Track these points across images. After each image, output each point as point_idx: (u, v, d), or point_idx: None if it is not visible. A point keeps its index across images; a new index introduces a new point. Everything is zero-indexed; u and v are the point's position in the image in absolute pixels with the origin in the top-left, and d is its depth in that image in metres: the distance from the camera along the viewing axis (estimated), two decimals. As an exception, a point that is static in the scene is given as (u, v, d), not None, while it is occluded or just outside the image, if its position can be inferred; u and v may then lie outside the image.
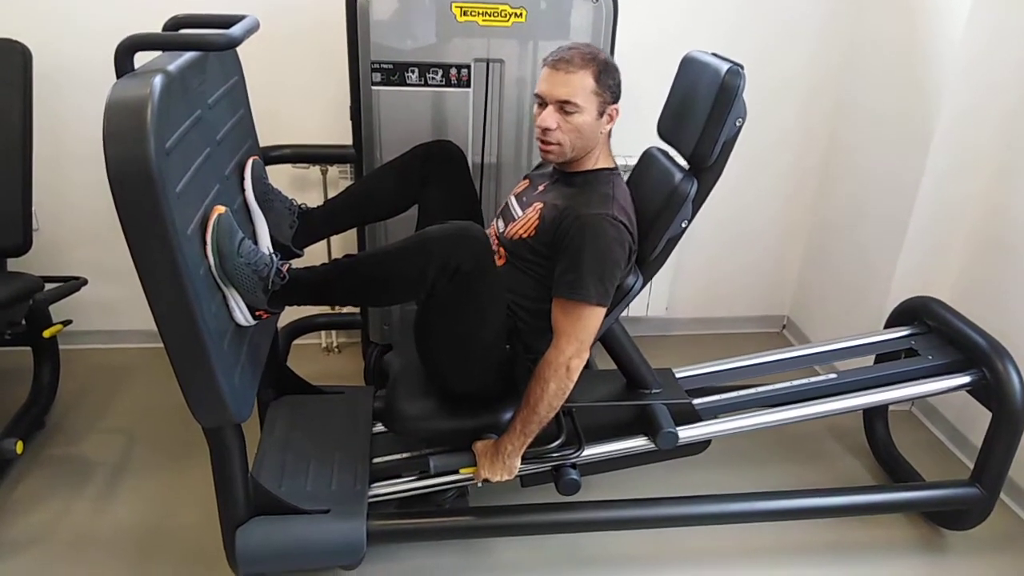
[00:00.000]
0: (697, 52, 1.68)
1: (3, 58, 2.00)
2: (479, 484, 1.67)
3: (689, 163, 1.62)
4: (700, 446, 1.83)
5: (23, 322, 2.05)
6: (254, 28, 1.37)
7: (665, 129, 1.74)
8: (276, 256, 1.47)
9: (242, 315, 1.41)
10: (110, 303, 2.47)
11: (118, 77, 1.17)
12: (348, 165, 2.36)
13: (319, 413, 1.90)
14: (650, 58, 2.39)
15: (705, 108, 1.54)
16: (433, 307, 1.52)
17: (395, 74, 1.88)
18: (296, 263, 1.58)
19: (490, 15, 1.84)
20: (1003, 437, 1.79)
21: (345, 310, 2.49)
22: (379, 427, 1.88)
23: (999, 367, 1.77)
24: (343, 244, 2.44)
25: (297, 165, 2.36)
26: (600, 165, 1.64)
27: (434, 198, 1.74)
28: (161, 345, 1.25)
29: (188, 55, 1.32)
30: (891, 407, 2.20)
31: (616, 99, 1.58)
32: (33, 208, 2.07)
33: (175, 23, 1.50)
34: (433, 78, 1.90)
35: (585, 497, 1.73)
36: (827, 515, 1.92)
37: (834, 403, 1.83)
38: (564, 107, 1.53)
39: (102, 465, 2.07)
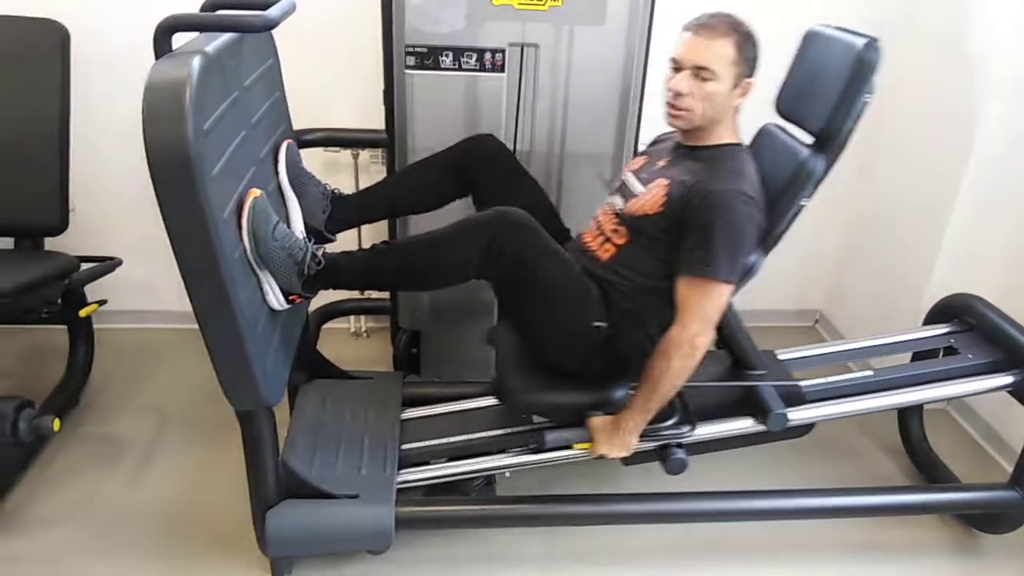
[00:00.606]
0: (822, 27, 1.65)
1: (41, 38, 2.02)
2: (592, 458, 1.65)
3: (817, 139, 1.58)
4: (804, 429, 1.81)
5: (59, 301, 2.08)
6: (291, 10, 1.37)
7: (786, 106, 1.70)
8: (311, 241, 1.46)
9: (276, 299, 1.42)
10: (145, 283, 2.50)
11: (156, 58, 1.17)
12: (380, 150, 2.35)
13: (349, 398, 1.91)
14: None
15: (837, 83, 1.51)
16: (496, 290, 1.56)
17: (429, 58, 1.86)
18: (329, 248, 1.58)
19: (526, -1, 1.81)
20: (1046, 440, 1.74)
21: (374, 295, 2.50)
22: (408, 413, 1.88)
23: (1043, 368, 1.72)
24: (374, 233, 2.44)
25: (328, 149, 2.36)
26: (727, 140, 1.60)
27: (489, 196, 1.70)
28: (194, 326, 1.26)
29: (225, 37, 1.32)
30: (926, 406, 2.15)
31: (752, 73, 1.54)
32: (70, 188, 2.09)
33: (212, 3, 1.50)
34: (467, 62, 1.88)
35: (612, 489, 1.72)
36: (859, 515, 1.89)
37: (870, 401, 1.79)
38: (700, 73, 1.50)
39: (135, 443, 2.10)
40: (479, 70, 1.89)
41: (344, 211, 1.73)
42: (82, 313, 2.13)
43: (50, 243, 2.13)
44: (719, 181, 1.50)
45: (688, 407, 1.72)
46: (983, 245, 2.19)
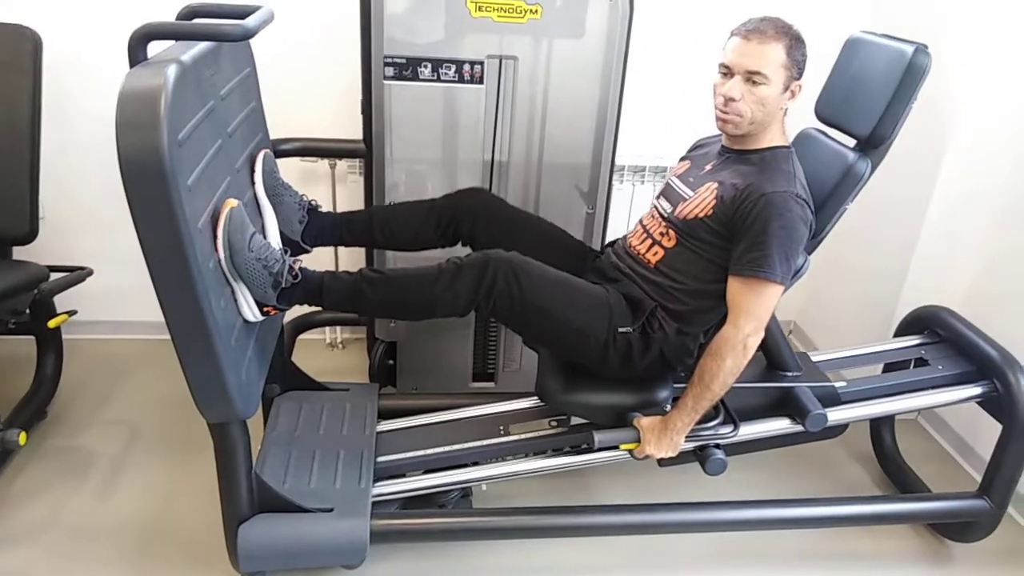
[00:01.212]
0: (864, 33, 1.68)
1: (13, 44, 1.98)
2: (640, 459, 1.65)
3: (864, 143, 1.62)
4: (839, 429, 1.83)
5: (27, 312, 2.04)
6: (269, 20, 1.36)
7: (829, 111, 1.73)
8: (286, 253, 1.45)
9: (250, 310, 1.40)
10: (115, 293, 2.45)
11: (131, 66, 1.15)
12: (357, 160, 2.34)
13: (324, 410, 1.89)
14: (665, 59, 2.38)
15: (886, 88, 1.54)
16: (504, 321, 1.59)
17: (408, 69, 1.86)
18: (305, 261, 1.56)
19: (505, 11, 1.82)
20: (1013, 450, 1.77)
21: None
22: (384, 425, 1.87)
23: (1011, 379, 1.76)
24: (351, 252, 2.43)
25: (306, 159, 2.35)
26: (776, 143, 1.62)
27: (485, 244, 1.69)
28: (165, 337, 1.24)
29: (202, 45, 1.30)
30: (897, 416, 2.18)
31: (800, 75, 1.56)
32: (40, 196, 2.05)
33: (189, 12, 1.48)
34: (446, 74, 1.88)
35: (587, 501, 1.72)
36: (831, 524, 1.90)
37: (843, 411, 1.81)
38: (753, 77, 1.52)
39: (104, 457, 2.06)
40: (458, 81, 1.89)
41: (321, 224, 1.72)
42: (51, 324, 2.09)
43: (19, 252, 2.08)
44: (772, 183, 1.52)
45: (728, 407, 1.73)
46: (953, 257, 2.23)
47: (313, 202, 1.73)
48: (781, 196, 1.50)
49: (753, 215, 1.50)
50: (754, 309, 1.50)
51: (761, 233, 1.48)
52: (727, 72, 1.56)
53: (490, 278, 1.48)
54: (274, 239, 1.58)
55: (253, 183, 1.58)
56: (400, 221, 1.75)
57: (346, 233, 1.76)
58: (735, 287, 1.52)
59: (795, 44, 1.54)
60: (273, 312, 1.45)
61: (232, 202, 1.32)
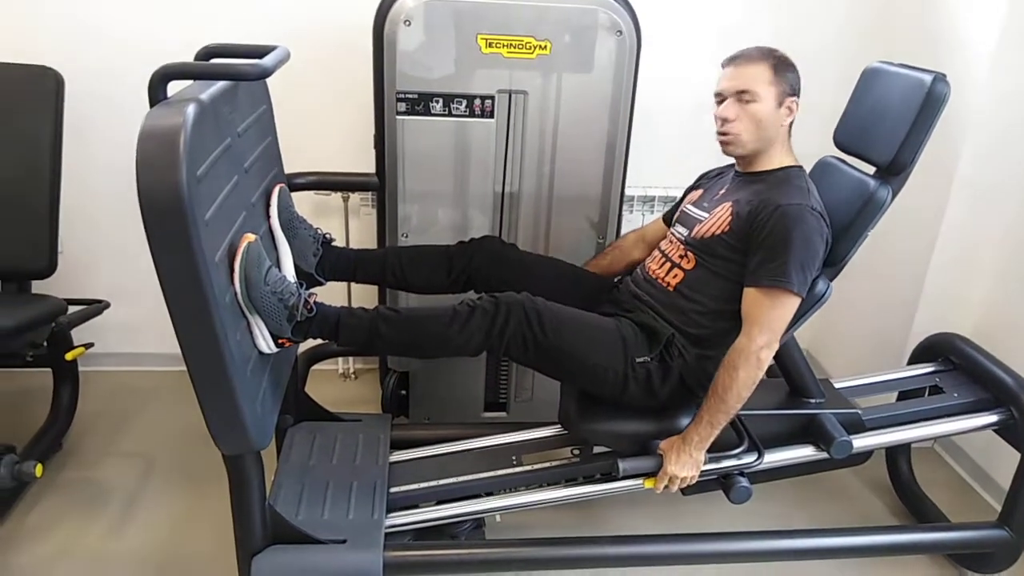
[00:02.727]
0: (882, 64, 1.72)
1: (36, 84, 2.04)
2: (659, 488, 1.63)
3: (885, 171, 1.64)
4: (864, 456, 1.82)
5: (45, 344, 2.06)
6: (285, 59, 1.39)
7: (847, 139, 1.75)
8: (301, 286, 1.47)
9: (265, 343, 1.42)
10: (132, 326, 2.48)
11: (152, 105, 1.18)
12: (370, 193, 2.38)
13: (337, 440, 1.89)
14: (671, 92, 2.41)
15: (906, 117, 1.57)
16: (518, 361, 1.60)
17: (420, 104, 1.90)
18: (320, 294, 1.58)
19: (515, 47, 1.85)
20: (1032, 478, 1.75)
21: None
22: (397, 455, 1.87)
23: (1028, 407, 1.74)
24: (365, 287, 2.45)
25: (319, 192, 2.38)
26: (786, 163, 1.66)
27: (499, 290, 1.69)
28: (180, 369, 1.25)
29: (220, 84, 1.34)
30: (914, 445, 2.16)
31: (795, 92, 1.62)
32: (59, 231, 2.09)
33: (207, 52, 1.53)
34: (457, 108, 1.91)
35: (602, 531, 1.71)
36: (849, 555, 1.88)
37: (865, 439, 1.79)
38: (741, 96, 1.58)
39: (118, 489, 2.06)
40: (469, 116, 1.92)
41: (335, 258, 1.75)
42: (68, 356, 2.12)
43: (37, 285, 2.12)
44: (787, 196, 1.54)
45: (752, 435, 1.72)
46: (965, 284, 2.22)
47: (327, 235, 1.76)
48: (797, 208, 1.52)
49: (769, 226, 1.51)
50: (769, 320, 1.51)
51: (777, 244, 1.50)
52: (721, 98, 1.62)
53: (502, 320, 1.50)
54: (289, 272, 1.60)
55: (268, 216, 1.61)
56: (413, 265, 1.78)
57: (359, 271, 1.79)
58: (750, 297, 1.53)
59: (780, 64, 1.60)
60: (288, 344, 1.47)
61: (250, 236, 1.35)
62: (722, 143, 1.64)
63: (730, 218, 1.60)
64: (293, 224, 1.66)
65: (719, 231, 1.61)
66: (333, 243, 1.77)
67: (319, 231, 1.73)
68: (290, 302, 1.40)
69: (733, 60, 1.62)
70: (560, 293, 1.68)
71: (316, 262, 1.71)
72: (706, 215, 1.68)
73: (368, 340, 1.53)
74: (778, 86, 1.59)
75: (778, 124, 1.62)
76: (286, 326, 1.41)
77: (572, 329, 1.58)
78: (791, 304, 1.51)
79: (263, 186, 1.61)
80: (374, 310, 1.54)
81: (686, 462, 1.60)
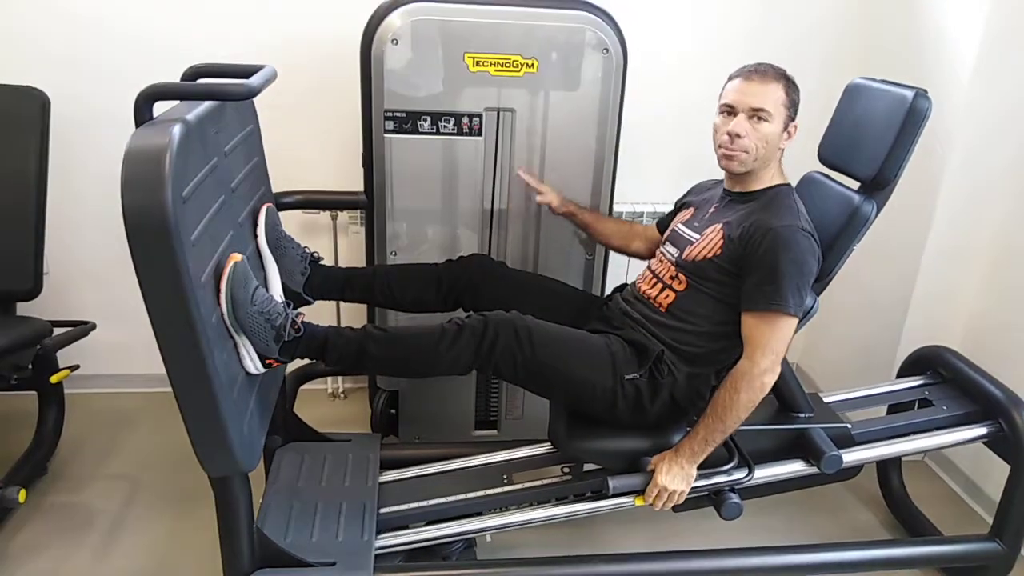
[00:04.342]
0: (864, 80, 1.74)
1: (22, 104, 2.03)
2: (649, 500, 1.62)
3: (869, 186, 1.65)
4: (854, 471, 1.83)
5: (30, 367, 2.04)
6: (272, 78, 1.39)
7: (831, 154, 1.77)
8: (289, 305, 1.46)
9: (252, 363, 1.40)
10: (117, 347, 2.46)
11: (137, 125, 1.18)
12: (359, 211, 2.37)
13: (326, 461, 1.87)
14: (658, 109, 2.43)
15: (889, 132, 1.59)
16: (508, 379, 1.59)
17: (408, 122, 1.90)
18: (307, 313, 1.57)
19: (502, 65, 1.86)
20: (1023, 491, 1.75)
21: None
22: (386, 475, 1.85)
23: (1016, 419, 1.75)
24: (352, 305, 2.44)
25: (308, 211, 2.38)
26: (776, 182, 1.67)
27: (488, 308, 1.73)
28: (166, 390, 1.24)
29: (206, 104, 1.33)
30: (904, 458, 2.16)
31: (795, 116, 1.63)
32: (44, 252, 2.07)
33: (194, 72, 1.52)
34: (445, 126, 1.92)
35: (594, 550, 1.70)
36: (842, 570, 1.86)
37: (855, 453, 1.79)
38: (757, 114, 1.58)
39: (104, 512, 2.03)
40: (457, 134, 1.93)
41: (323, 277, 1.74)
42: (53, 379, 2.09)
43: (22, 307, 2.10)
44: (777, 218, 1.55)
45: (742, 451, 1.72)
46: (953, 297, 2.24)
47: (315, 254, 1.75)
48: (788, 229, 1.52)
49: (762, 250, 1.52)
50: (770, 343, 1.51)
51: (771, 267, 1.51)
52: (730, 111, 1.61)
53: (491, 339, 1.50)
54: (277, 292, 1.59)
55: (255, 236, 1.60)
56: (402, 283, 1.78)
57: (348, 290, 1.78)
58: (749, 323, 1.54)
59: (791, 86, 1.62)
60: (275, 365, 1.46)
61: (236, 256, 1.34)
62: (724, 156, 1.63)
63: (722, 241, 1.60)
64: (280, 243, 1.66)
65: (711, 254, 1.61)
66: (321, 262, 1.77)
67: (307, 250, 1.73)
68: (277, 322, 1.39)
69: (749, 75, 1.60)
70: (550, 311, 1.68)
71: (304, 281, 1.70)
72: (697, 236, 1.68)
73: (356, 360, 1.52)
74: (788, 109, 1.60)
75: (777, 147, 1.63)
76: (273, 346, 1.40)
77: (560, 346, 1.58)
78: (789, 326, 1.52)
79: (250, 206, 1.60)
80: (362, 329, 1.53)
81: (677, 474, 1.60)
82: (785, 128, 1.61)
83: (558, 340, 1.58)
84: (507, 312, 1.56)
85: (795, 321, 1.52)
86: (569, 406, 1.70)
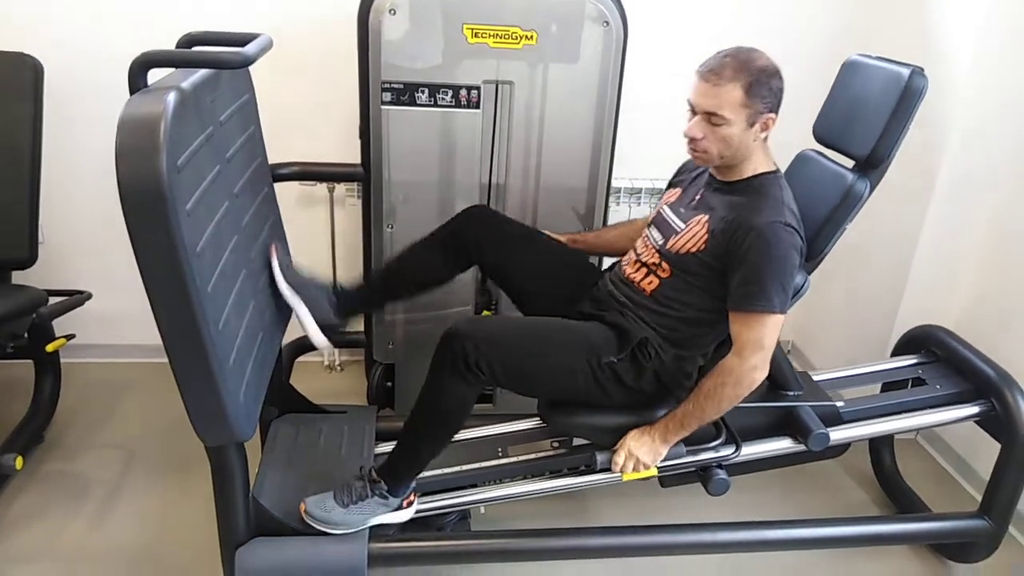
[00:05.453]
0: (861, 57, 1.71)
1: (15, 71, 2.01)
2: (618, 466, 1.63)
3: (863, 164, 1.64)
4: (841, 448, 1.84)
5: (26, 335, 2.04)
6: (268, 47, 1.38)
7: (827, 132, 1.75)
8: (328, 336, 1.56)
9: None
10: (113, 316, 2.46)
11: (132, 93, 1.17)
12: (355, 183, 2.36)
13: (321, 432, 1.88)
14: (658, 83, 2.40)
15: (884, 110, 1.57)
16: (499, 385, 1.59)
17: (405, 94, 1.89)
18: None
19: (501, 37, 1.84)
20: (1012, 469, 1.77)
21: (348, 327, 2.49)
22: (382, 447, 1.86)
23: (1008, 398, 1.76)
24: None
25: (304, 182, 2.36)
26: (761, 170, 1.61)
27: (498, 267, 1.76)
28: (163, 360, 1.24)
29: (201, 72, 1.32)
30: (896, 436, 2.18)
31: (772, 108, 1.52)
32: (40, 221, 2.06)
33: (189, 40, 1.51)
34: (443, 99, 1.90)
35: (587, 523, 1.71)
36: (831, 545, 1.89)
37: (842, 431, 1.80)
38: (711, 118, 1.51)
39: (100, 481, 2.05)
40: (455, 106, 1.91)
41: (347, 302, 1.74)
42: (49, 348, 2.10)
43: (17, 276, 2.09)
44: (760, 214, 1.52)
45: (730, 428, 1.73)
46: (949, 277, 2.24)
47: (335, 284, 1.75)
48: (770, 227, 1.50)
49: (744, 247, 1.50)
50: (758, 342, 1.51)
51: (755, 267, 1.49)
52: (692, 110, 1.56)
53: (461, 355, 1.48)
54: (312, 331, 1.64)
55: (274, 282, 1.63)
56: (411, 265, 1.78)
57: (371, 299, 1.82)
58: (737, 321, 1.53)
59: (756, 81, 1.48)
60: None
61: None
62: (692, 155, 1.60)
63: (706, 236, 1.57)
64: (299, 280, 1.66)
65: (695, 249, 1.59)
66: (339, 287, 1.76)
67: (323, 282, 1.72)
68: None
69: (706, 75, 1.50)
70: (550, 274, 1.70)
71: (334, 311, 1.69)
72: (682, 225, 1.64)
73: (416, 457, 1.62)
74: (750, 107, 1.49)
75: (750, 141, 1.55)
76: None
77: (529, 340, 1.58)
78: (776, 323, 1.51)
79: (246, 176, 1.58)
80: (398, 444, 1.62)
81: (646, 444, 1.61)
82: (753, 124, 1.52)
83: (525, 335, 1.59)
84: (464, 325, 1.53)
85: (781, 318, 1.51)
86: (557, 397, 1.69)
